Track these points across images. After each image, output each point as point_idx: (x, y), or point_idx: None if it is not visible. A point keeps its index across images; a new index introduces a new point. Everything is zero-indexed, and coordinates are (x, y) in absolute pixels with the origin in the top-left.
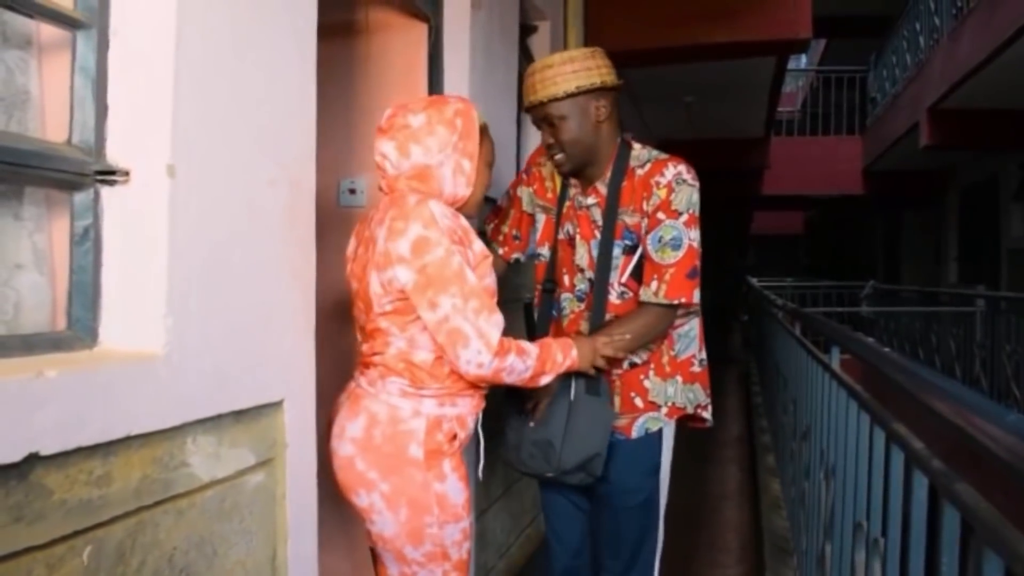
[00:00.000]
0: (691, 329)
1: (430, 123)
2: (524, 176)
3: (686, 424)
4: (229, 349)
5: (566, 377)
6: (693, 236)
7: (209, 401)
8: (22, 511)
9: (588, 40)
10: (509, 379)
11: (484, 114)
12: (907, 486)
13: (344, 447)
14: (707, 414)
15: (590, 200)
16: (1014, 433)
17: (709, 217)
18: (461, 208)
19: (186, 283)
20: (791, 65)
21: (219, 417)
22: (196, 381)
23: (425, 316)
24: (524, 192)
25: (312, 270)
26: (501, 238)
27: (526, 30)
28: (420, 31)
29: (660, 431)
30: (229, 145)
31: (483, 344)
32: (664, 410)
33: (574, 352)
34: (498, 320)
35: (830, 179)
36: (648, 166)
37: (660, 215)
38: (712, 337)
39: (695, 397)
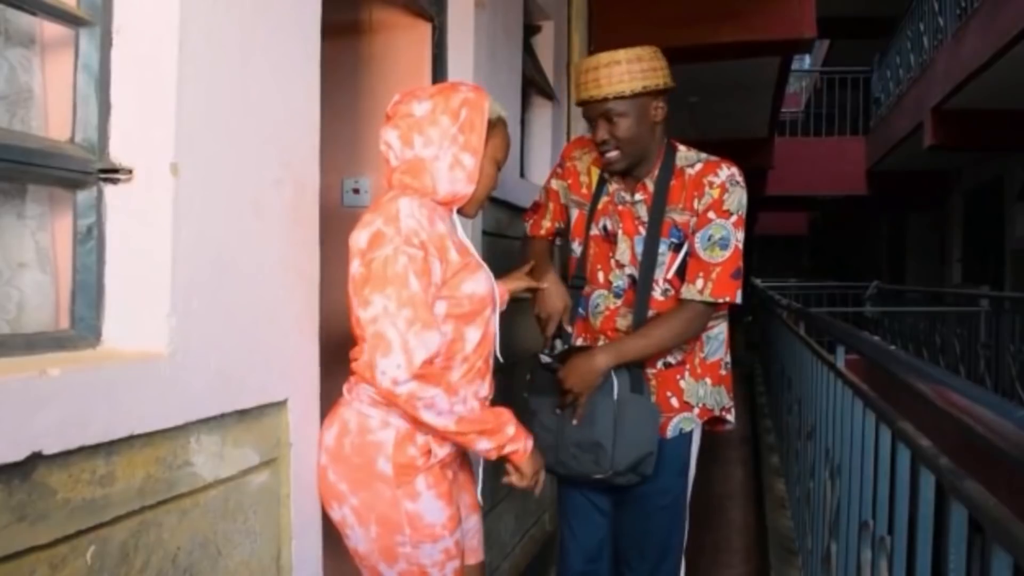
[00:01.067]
0: (720, 332)
1: (434, 112)
2: (559, 170)
3: (709, 428)
4: (233, 348)
5: (607, 375)
6: (740, 237)
7: (212, 400)
8: (25, 511)
9: (592, 40)
10: (426, 416)
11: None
12: (914, 484)
13: (320, 456)
14: (731, 416)
15: (637, 197)
16: (1022, 428)
17: None
18: (463, 208)
19: (189, 282)
20: (795, 66)
21: (222, 417)
22: (199, 380)
23: (358, 313)
24: (559, 185)
25: (316, 270)
26: (543, 232)
27: (530, 30)
28: (424, 31)
29: (692, 431)
30: (233, 144)
31: (404, 360)
32: (696, 411)
33: (528, 444)
34: (429, 339)
35: (834, 180)
36: (699, 166)
37: (711, 214)
38: None
39: (721, 400)
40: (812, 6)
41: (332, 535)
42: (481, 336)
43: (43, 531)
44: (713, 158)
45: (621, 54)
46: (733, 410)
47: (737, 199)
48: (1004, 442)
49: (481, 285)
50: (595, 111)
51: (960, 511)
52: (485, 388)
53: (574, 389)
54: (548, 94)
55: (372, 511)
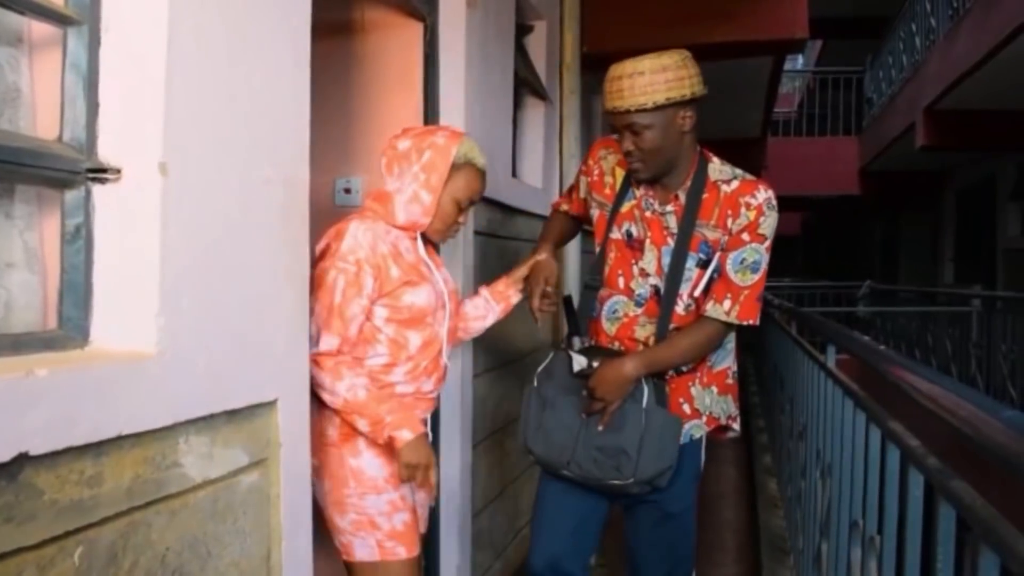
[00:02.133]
0: (728, 342)
1: (409, 150)
2: (583, 167)
3: (712, 436)
4: (222, 348)
5: (637, 383)
6: (767, 261)
7: (201, 401)
8: (12, 511)
9: (585, 40)
10: (321, 394)
11: (477, 127)
12: (903, 484)
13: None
14: (736, 425)
15: (668, 208)
16: (1011, 428)
17: None
18: (427, 233)
19: (178, 282)
20: (788, 66)
21: (212, 417)
22: (188, 380)
23: None
24: (583, 181)
25: (306, 270)
26: (564, 207)
27: (522, 29)
28: (416, 30)
29: (702, 439)
30: (222, 143)
31: (315, 343)
32: (705, 418)
33: (406, 435)
34: (330, 340)
35: (827, 180)
36: (736, 184)
37: (745, 236)
38: None
39: (728, 408)
40: (805, 6)
41: (323, 535)
42: (424, 340)
43: (30, 532)
44: (749, 177)
45: (646, 63)
46: (738, 419)
47: (772, 224)
48: (991, 442)
49: (421, 297)
50: (620, 122)
51: (948, 511)
52: (430, 384)
53: (606, 398)
54: (540, 94)
55: (326, 469)
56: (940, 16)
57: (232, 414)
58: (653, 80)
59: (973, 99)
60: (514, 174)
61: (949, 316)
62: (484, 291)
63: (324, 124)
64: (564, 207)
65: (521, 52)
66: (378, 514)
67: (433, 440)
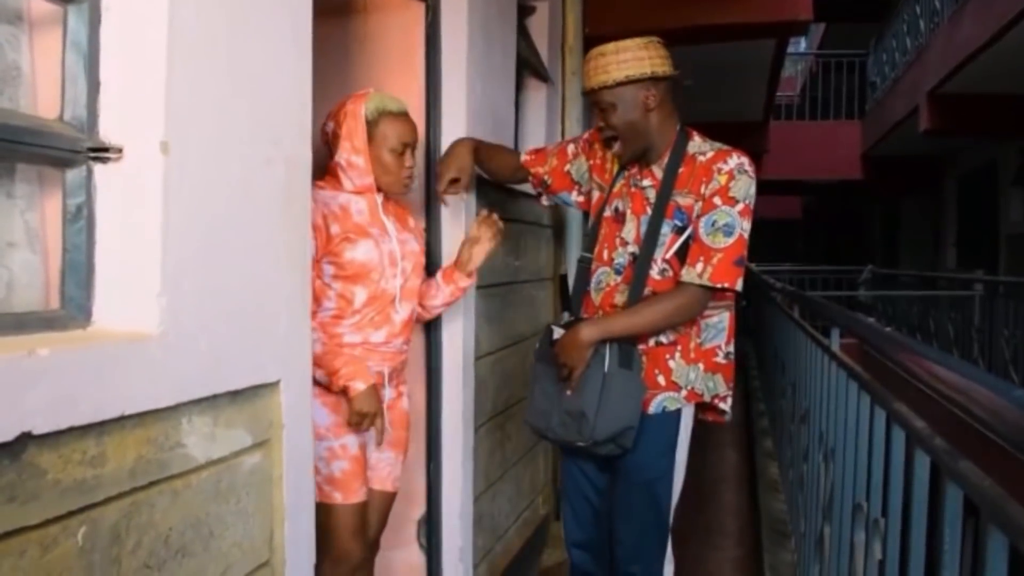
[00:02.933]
0: (720, 321)
1: (333, 127)
2: (586, 147)
3: (703, 416)
4: (224, 329)
5: (600, 348)
6: (745, 227)
7: (204, 381)
8: (15, 491)
9: (587, 21)
10: None
11: (479, 108)
12: (908, 466)
13: None
14: (725, 406)
15: (646, 182)
16: (1020, 407)
17: None
18: (383, 190)
19: (180, 262)
20: (790, 49)
21: (214, 397)
22: (191, 361)
23: None
24: (579, 162)
25: (308, 250)
26: (527, 158)
27: (524, 11)
28: (418, 11)
29: (678, 412)
30: (224, 123)
31: None
32: (684, 392)
33: (359, 386)
34: None
35: (829, 164)
36: (711, 154)
37: (716, 199)
38: None
39: (715, 387)
40: None
41: None
42: (370, 295)
43: (34, 512)
44: (726, 147)
45: (610, 46)
46: (729, 399)
47: (744, 187)
48: (1001, 422)
49: (360, 253)
50: (591, 100)
51: (955, 491)
52: (380, 335)
53: (567, 363)
54: (543, 76)
55: None
56: None
57: (234, 395)
58: (614, 59)
59: (977, 83)
60: None
61: (951, 301)
62: (439, 272)
63: (326, 104)
64: (528, 161)
65: (523, 33)
66: (317, 459)
67: (434, 422)
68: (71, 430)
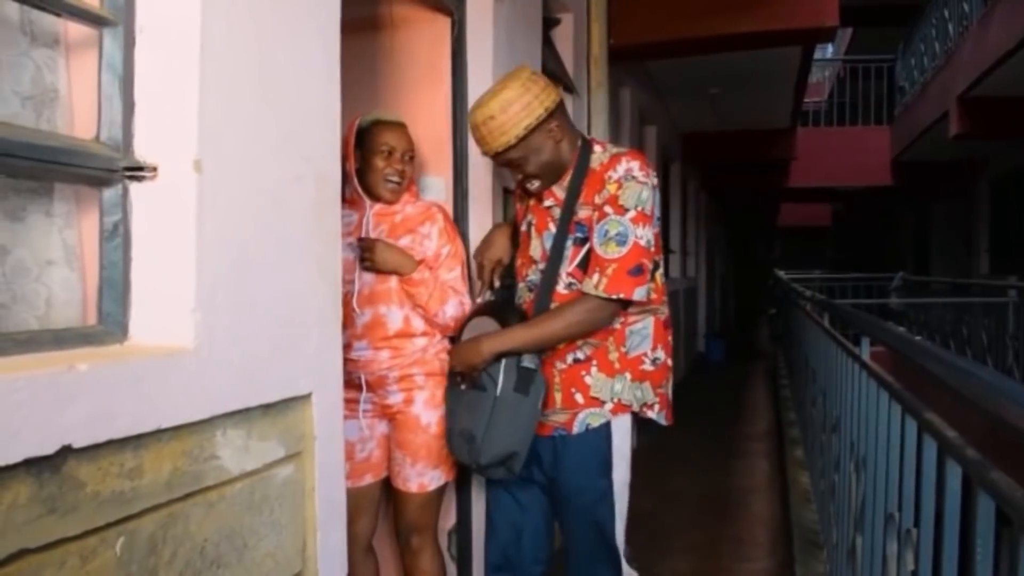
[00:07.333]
0: (644, 327)
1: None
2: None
3: (642, 420)
4: (257, 343)
5: (495, 371)
6: (640, 234)
7: (238, 394)
8: (55, 503)
9: (612, 32)
10: None
11: None
12: (940, 476)
13: None
14: (652, 414)
15: (548, 202)
16: None
17: (735, 209)
18: (375, 198)
19: (214, 277)
20: (817, 55)
21: (248, 410)
22: (225, 374)
23: None
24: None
25: (338, 264)
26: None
27: (549, 23)
28: (443, 25)
29: (605, 427)
30: (255, 140)
31: None
32: (609, 406)
33: None
34: None
35: (858, 170)
36: (605, 161)
37: (607, 208)
38: (737, 331)
39: (642, 396)
40: None
41: None
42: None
43: (73, 523)
44: (621, 151)
45: (495, 106)
46: (657, 407)
47: (635, 194)
48: None
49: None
50: (498, 162)
51: (987, 502)
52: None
53: (456, 368)
54: (568, 87)
55: None
56: (973, 1)
57: (267, 408)
58: (504, 120)
59: (1008, 86)
60: None
61: (984, 307)
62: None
63: (354, 119)
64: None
65: (548, 45)
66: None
67: None
68: (109, 443)
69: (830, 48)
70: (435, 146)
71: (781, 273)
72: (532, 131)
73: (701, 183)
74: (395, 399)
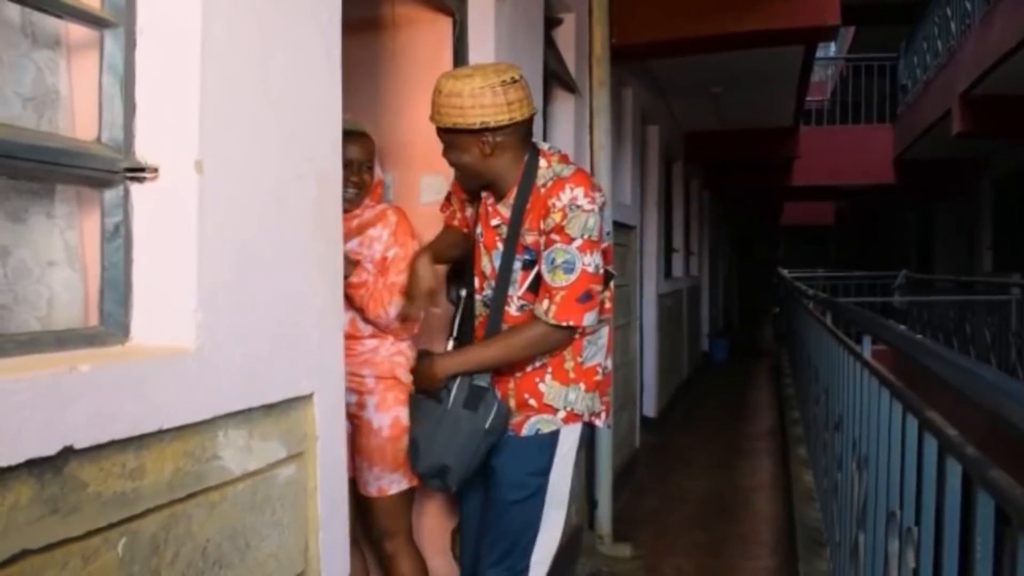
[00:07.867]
0: (600, 337)
1: None
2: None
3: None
4: (258, 343)
5: (451, 383)
6: (588, 261)
7: (239, 395)
8: (57, 504)
9: (614, 32)
10: None
11: None
12: (940, 474)
13: None
14: (599, 422)
15: (495, 221)
16: None
17: (737, 208)
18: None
19: (216, 278)
20: (820, 54)
21: (249, 411)
22: (226, 375)
23: None
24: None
25: (339, 264)
26: (453, 221)
27: (551, 22)
28: (445, 25)
29: (555, 434)
30: (256, 140)
31: None
32: (562, 414)
33: None
34: None
35: (860, 169)
36: (550, 185)
37: (554, 236)
38: (741, 329)
39: (592, 405)
40: None
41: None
42: None
43: (75, 523)
44: (564, 175)
45: (449, 85)
46: (603, 415)
47: (580, 223)
48: None
49: None
50: (439, 135)
51: (987, 500)
52: None
53: (419, 387)
54: (570, 87)
55: None
56: None
57: (269, 408)
58: (447, 102)
59: (1011, 84)
60: None
61: (987, 305)
62: None
63: (357, 118)
64: (448, 219)
65: (550, 45)
66: None
67: None
68: (111, 444)
69: (832, 47)
70: (436, 145)
71: (784, 272)
72: (463, 132)
73: (704, 182)
74: (348, 399)
